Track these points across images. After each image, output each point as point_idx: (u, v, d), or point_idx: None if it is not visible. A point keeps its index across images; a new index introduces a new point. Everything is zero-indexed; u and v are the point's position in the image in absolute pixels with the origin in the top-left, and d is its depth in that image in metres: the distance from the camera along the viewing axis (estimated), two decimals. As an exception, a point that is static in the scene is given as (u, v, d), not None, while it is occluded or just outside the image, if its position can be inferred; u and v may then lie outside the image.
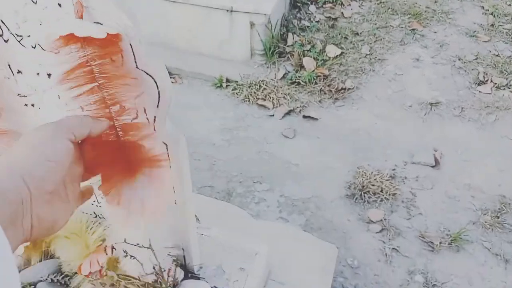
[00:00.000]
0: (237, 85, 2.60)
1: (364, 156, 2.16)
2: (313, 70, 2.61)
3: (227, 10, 2.56)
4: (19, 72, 0.92)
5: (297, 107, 2.44)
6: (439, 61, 2.75)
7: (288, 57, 2.74)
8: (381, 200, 1.98)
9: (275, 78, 2.64)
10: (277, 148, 2.23)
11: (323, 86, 2.55)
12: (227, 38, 2.67)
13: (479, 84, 2.58)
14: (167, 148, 0.95)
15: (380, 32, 2.94)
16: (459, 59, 2.75)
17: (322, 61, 2.69)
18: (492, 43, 2.87)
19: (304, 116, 2.39)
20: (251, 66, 2.73)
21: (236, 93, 2.56)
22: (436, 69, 2.69)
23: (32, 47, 0.86)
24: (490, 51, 2.81)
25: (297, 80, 2.57)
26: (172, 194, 1.03)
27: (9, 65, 0.91)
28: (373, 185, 2.00)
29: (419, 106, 2.46)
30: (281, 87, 2.56)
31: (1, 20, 0.84)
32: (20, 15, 0.81)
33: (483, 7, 3.17)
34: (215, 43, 2.71)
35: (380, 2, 3.22)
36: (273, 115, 2.42)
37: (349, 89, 2.55)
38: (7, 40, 0.87)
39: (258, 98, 2.51)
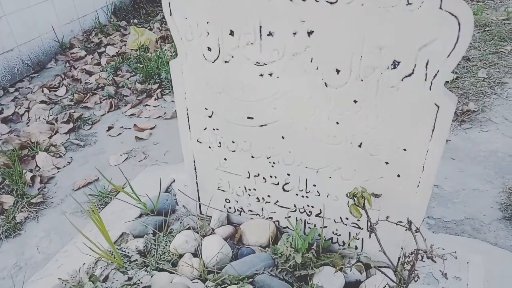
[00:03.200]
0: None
1: (513, 177, 1.97)
2: (432, 93, 2.50)
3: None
4: (269, 34, 0.87)
5: (420, 130, 2.31)
6: None
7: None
8: (545, 224, 1.75)
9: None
10: (410, 169, 2.07)
11: (445, 108, 2.41)
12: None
13: None
14: (437, 112, 0.84)
15: (492, 58, 2.82)
16: None
17: (439, 85, 2.57)
18: None
19: (432, 138, 2.24)
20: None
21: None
22: None
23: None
24: None
25: (416, 103, 2.46)
26: (420, 173, 0.91)
27: (260, 28, 0.87)
28: (534, 207, 1.79)
29: (555, 127, 2.26)
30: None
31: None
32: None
33: None
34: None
35: (484, 31, 3.13)
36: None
37: (473, 111, 2.40)
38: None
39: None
